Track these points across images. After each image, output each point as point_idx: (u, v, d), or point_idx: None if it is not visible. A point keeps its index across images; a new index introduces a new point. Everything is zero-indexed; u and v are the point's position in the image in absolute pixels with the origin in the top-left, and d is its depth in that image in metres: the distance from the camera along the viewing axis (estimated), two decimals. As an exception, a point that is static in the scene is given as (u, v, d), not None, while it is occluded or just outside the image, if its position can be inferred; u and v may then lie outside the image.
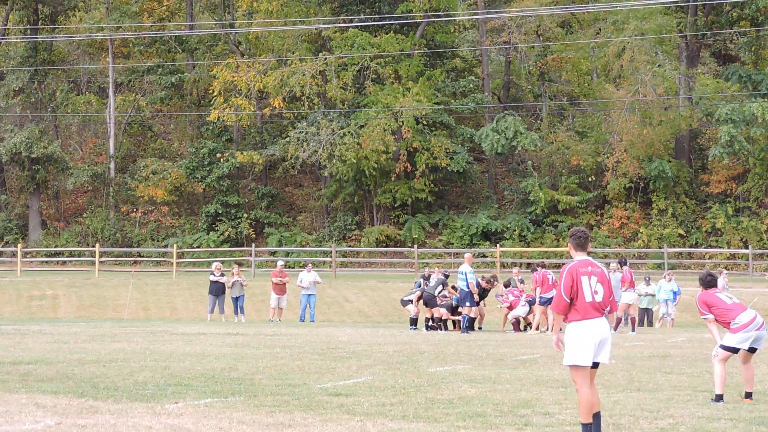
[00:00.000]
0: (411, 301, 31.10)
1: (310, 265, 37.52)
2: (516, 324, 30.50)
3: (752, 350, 13.52)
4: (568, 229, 55.37)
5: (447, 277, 30.87)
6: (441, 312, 30.09)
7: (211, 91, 60.33)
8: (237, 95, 58.55)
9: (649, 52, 54.48)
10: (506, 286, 31.75)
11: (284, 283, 35.61)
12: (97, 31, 62.99)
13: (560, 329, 10.44)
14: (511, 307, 30.86)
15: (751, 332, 13.33)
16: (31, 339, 23.34)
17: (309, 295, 35.71)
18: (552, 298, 27.90)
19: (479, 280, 30.12)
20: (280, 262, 37.52)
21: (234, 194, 59.61)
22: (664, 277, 35.27)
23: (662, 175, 53.94)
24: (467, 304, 28.96)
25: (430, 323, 30.27)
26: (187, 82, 63.06)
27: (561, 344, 10.30)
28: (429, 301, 30.19)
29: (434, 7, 58.37)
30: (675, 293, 34.44)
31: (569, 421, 11.25)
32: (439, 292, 30.17)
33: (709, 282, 13.70)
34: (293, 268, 50.00)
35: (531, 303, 29.98)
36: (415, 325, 30.42)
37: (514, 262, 52.22)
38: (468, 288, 28.84)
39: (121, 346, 21.48)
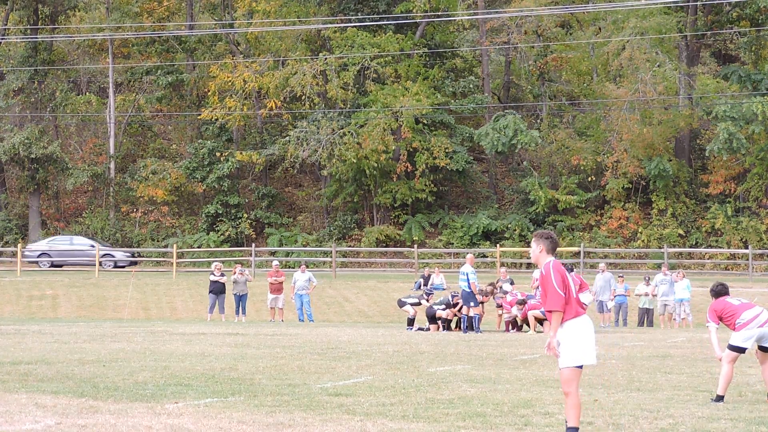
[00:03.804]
0: (408, 303, 31.00)
1: (303, 265, 37.63)
2: (512, 324, 30.41)
3: (765, 349, 13.43)
4: (569, 229, 55.65)
5: (454, 305, 30.31)
6: (442, 314, 30.05)
7: (207, 91, 60.44)
8: (233, 95, 58.61)
9: (649, 51, 54.49)
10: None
11: (280, 283, 35.67)
12: (97, 31, 63.00)
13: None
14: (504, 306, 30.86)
15: (753, 329, 13.21)
16: (31, 339, 23.34)
17: (301, 295, 35.75)
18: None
19: (483, 286, 30.04)
20: (275, 262, 37.59)
21: (234, 194, 59.63)
22: (676, 279, 34.68)
23: (663, 174, 53.93)
24: (471, 304, 28.93)
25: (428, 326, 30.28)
26: (186, 82, 63.11)
27: (555, 348, 9.61)
28: (429, 315, 30.16)
29: (434, 7, 58.37)
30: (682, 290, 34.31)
31: (569, 421, 11.23)
32: (443, 309, 30.11)
33: (719, 291, 13.67)
34: (293, 268, 49.99)
35: (521, 303, 29.97)
36: (413, 325, 30.38)
37: (515, 262, 52.24)
38: (470, 288, 28.80)
39: (121, 346, 21.47)
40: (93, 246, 53.04)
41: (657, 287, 33.99)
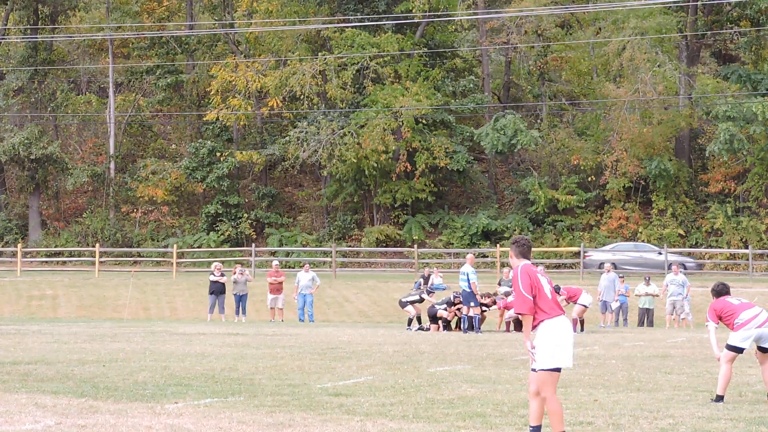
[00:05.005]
0: (410, 303, 30.99)
1: (307, 265, 37.61)
2: (514, 323, 30.37)
3: (764, 350, 13.41)
4: (569, 228, 55.62)
5: (453, 304, 30.29)
6: (442, 313, 30.06)
7: (208, 91, 60.43)
8: (235, 95, 58.64)
9: (649, 51, 54.49)
10: (500, 284, 31.66)
11: (280, 283, 35.67)
12: (97, 31, 63.02)
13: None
14: (506, 308, 30.80)
15: (751, 330, 13.21)
16: (31, 339, 23.34)
17: (305, 295, 35.74)
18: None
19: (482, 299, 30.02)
20: (275, 262, 37.60)
21: (234, 194, 59.63)
22: (677, 273, 34.52)
23: (663, 174, 53.93)
24: (471, 304, 28.93)
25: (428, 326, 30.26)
26: (186, 82, 63.11)
27: (531, 351, 9.47)
28: (431, 315, 30.14)
29: (434, 7, 58.37)
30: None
31: (569, 421, 11.24)
32: (444, 309, 30.09)
33: (720, 291, 13.69)
34: (293, 268, 50.03)
35: None
36: (413, 325, 30.37)
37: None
38: (470, 288, 28.79)
39: (121, 346, 21.47)
40: (661, 253, 48.95)
41: (668, 286, 33.90)
